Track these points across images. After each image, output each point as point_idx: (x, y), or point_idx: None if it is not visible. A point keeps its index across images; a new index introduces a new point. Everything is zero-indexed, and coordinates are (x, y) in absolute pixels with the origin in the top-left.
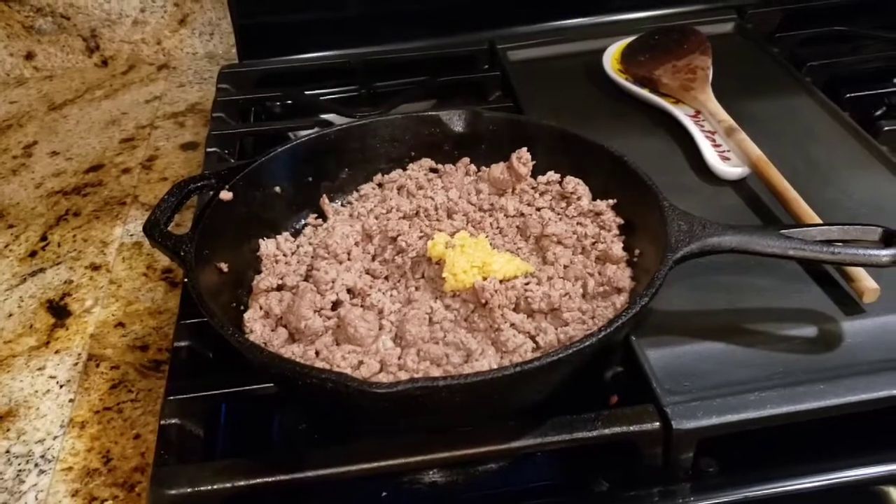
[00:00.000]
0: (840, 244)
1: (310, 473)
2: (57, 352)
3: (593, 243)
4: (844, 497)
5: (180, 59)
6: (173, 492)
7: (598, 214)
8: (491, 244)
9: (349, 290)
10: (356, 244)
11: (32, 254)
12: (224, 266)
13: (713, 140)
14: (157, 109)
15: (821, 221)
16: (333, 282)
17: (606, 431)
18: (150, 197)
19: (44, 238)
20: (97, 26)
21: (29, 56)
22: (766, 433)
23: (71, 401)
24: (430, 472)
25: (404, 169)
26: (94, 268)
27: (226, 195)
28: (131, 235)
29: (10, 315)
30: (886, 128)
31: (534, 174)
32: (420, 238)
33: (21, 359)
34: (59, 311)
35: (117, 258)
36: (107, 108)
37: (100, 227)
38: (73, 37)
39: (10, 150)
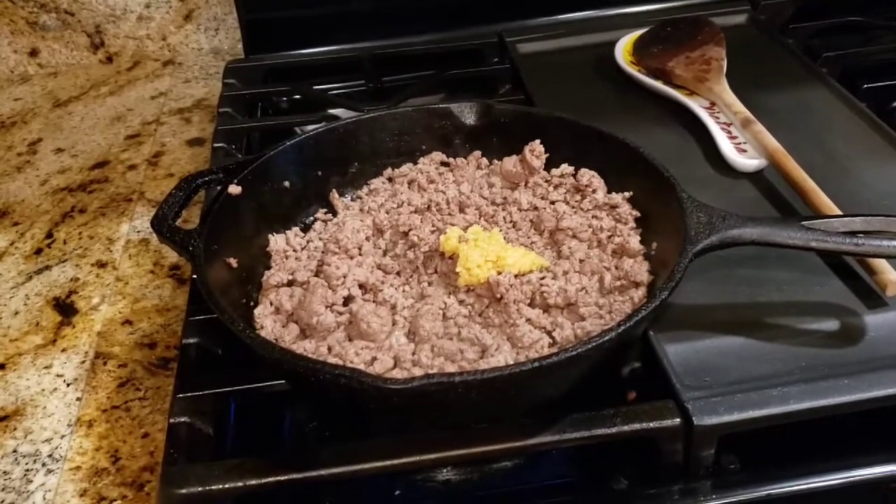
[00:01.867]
0: (863, 236)
1: (322, 472)
2: (64, 350)
3: (609, 237)
4: (870, 494)
5: (186, 55)
6: (184, 491)
7: (613, 207)
8: (504, 238)
9: (361, 286)
10: (367, 239)
11: (38, 251)
12: (233, 261)
13: (729, 132)
14: (162, 105)
15: (840, 213)
16: (345, 277)
17: (626, 428)
18: (156, 193)
19: (49, 235)
20: (102, 22)
21: (33, 53)
22: (788, 429)
23: (78, 399)
24: (445, 470)
25: (415, 163)
26: (101, 265)
27: (234, 189)
28: (138, 232)
29: (17, 313)
30: None
31: (547, 167)
32: (432, 232)
33: (28, 357)
34: (65, 308)
35: (124, 255)
36: (112, 105)
37: (106, 224)
38: (77, 33)
39: (14, 147)
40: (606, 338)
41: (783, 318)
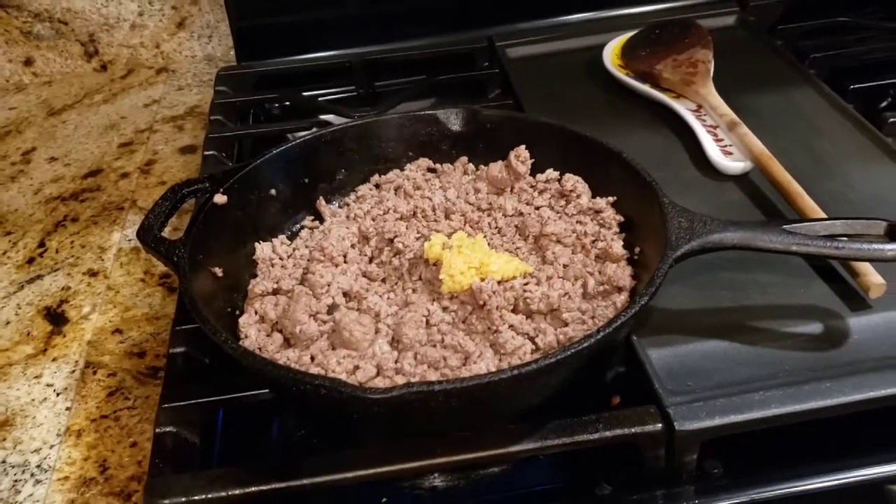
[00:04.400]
0: (845, 239)
1: (306, 481)
2: (54, 359)
3: (593, 241)
4: (854, 497)
5: (179, 63)
6: (167, 502)
7: (597, 212)
8: (489, 244)
9: (345, 294)
10: (352, 246)
11: (30, 260)
12: (219, 271)
13: (715, 135)
14: (155, 113)
15: (825, 216)
16: (329, 285)
17: (608, 434)
18: (148, 202)
19: (42, 244)
20: (95, 31)
21: (28, 62)
22: (771, 432)
23: (68, 409)
24: (431, 477)
25: (402, 169)
26: (92, 274)
27: (220, 199)
28: (129, 241)
29: (8, 323)
30: (891, 119)
31: (532, 172)
32: (417, 239)
33: (18, 367)
34: (56, 318)
35: (115, 264)
36: (105, 113)
37: (98, 232)
38: (71, 42)
39: (8, 156)
40: (585, 344)
41: (767, 322)
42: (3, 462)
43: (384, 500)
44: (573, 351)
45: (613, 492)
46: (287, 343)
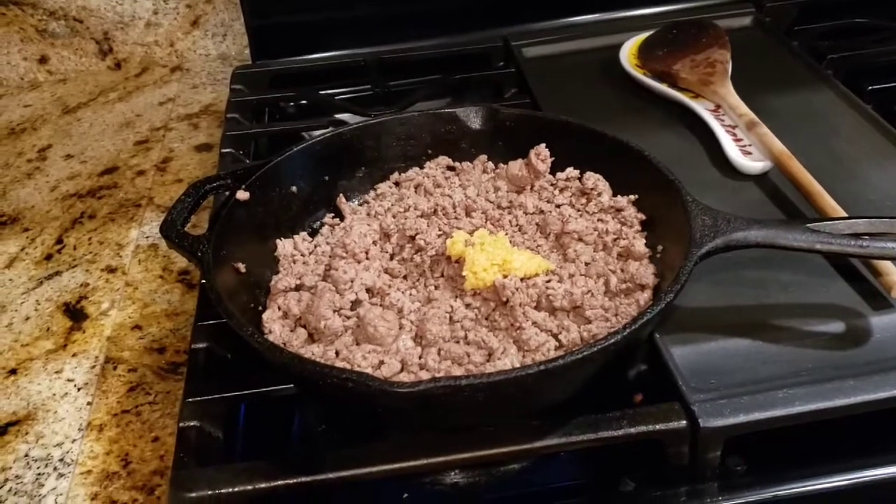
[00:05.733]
0: (867, 237)
1: (331, 475)
2: (74, 355)
3: (615, 240)
4: (877, 495)
5: (193, 61)
6: (193, 495)
7: (619, 210)
8: (510, 242)
9: (368, 290)
10: (374, 243)
11: (48, 257)
12: (241, 266)
13: (734, 134)
14: (170, 111)
15: (846, 215)
16: (352, 281)
17: (632, 430)
18: (165, 199)
19: (59, 241)
20: (110, 29)
21: (42, 60)
22: (795, 430)
23: (89, 404)
24: (452, 473)
25: (421, 167)
26: (110, 270)
27: (242, 195)
28: (147, 237)
29: (28, 318)
30: None
31: (553, 171)
32: (439, 236)
33: (38, 362)
34: (75, 314)
35: (133, 260)
36: (120, 111)
37: (115, 229)
38: (86, 40)
39: (24, 153)
40: (611, 341)
41: (788, 320)
42: (26, 456)
43: (405, 496)
44: (599, 347)
45: (636, 488)
46: (311, 339)
